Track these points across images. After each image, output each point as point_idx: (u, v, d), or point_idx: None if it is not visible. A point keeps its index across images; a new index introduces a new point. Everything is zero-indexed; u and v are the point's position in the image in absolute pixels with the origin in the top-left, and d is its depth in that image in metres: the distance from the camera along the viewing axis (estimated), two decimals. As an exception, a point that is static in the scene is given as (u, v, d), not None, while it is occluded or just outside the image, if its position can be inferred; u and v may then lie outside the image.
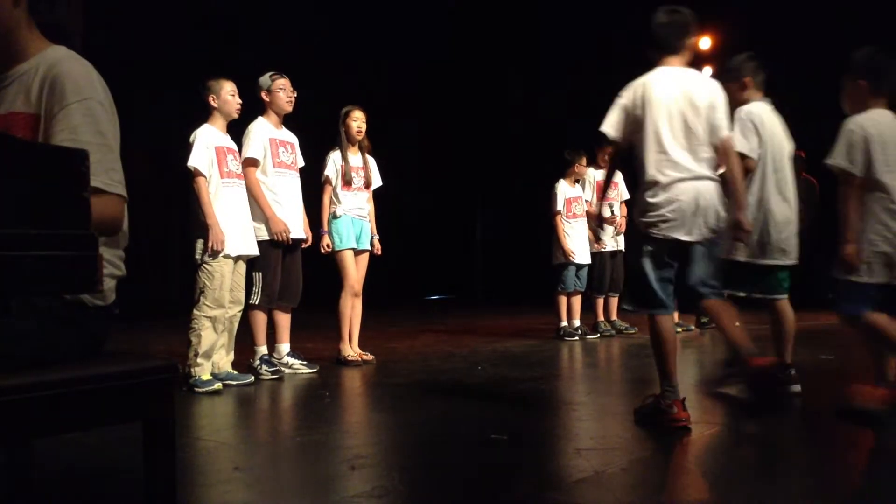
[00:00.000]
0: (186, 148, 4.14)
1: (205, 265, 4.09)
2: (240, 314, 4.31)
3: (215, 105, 4.25)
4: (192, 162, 4.09)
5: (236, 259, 4.21)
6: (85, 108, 1.76)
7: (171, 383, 1.66)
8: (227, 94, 4.26)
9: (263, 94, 4.60)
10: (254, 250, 4.30)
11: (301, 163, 4.75)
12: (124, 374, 1.60)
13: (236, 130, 4.48)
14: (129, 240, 1.96)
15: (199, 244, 4.10)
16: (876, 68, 3.29)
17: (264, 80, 4.60)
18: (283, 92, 4.59)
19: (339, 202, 4.95)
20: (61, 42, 1.90)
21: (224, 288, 4.12)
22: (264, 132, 4.54)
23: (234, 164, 4.28)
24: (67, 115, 1.75)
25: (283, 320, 4.70)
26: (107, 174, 1.76)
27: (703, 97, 3.19)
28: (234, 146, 4.34)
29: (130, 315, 2.54)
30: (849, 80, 3.39)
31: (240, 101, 4.31)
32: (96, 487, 2.46)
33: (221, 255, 4.08)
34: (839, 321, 3.35)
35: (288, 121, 4.73)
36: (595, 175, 6.71)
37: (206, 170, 4.11)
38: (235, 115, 4.32)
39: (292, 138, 4.72)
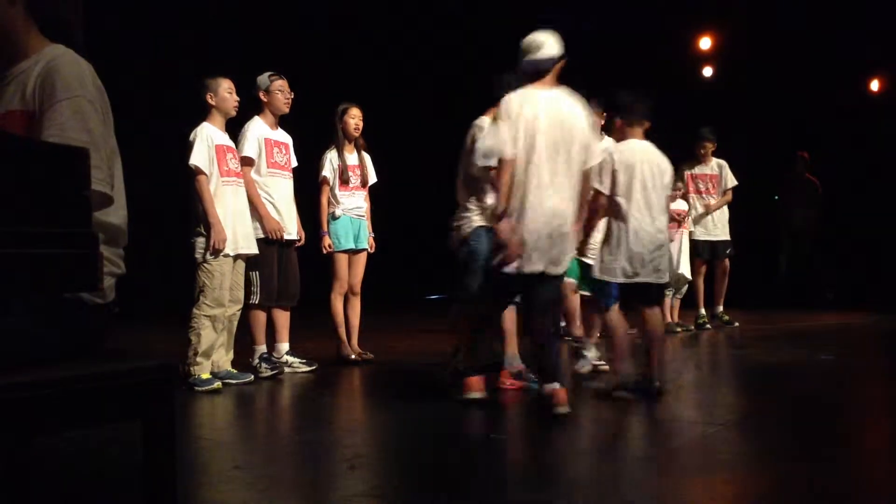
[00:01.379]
0: (187, 146, 4.13)
1: (205, 264, 4.09)
2: (239, 313, 4.31)
3: (213, 103, 4.24)
4: (194, 160, 4.08)
5: (236, 258, 4.21)
6: (74, 106, 1.76)
7: (171, 382, 1.65)
8: (225, 92, 4.25)
9: (261, 94, 4.58)
10: (253, 249, 4.30)
11: (294, 163, 4.75)
12: (124, 372, 1.60)
13: (232, 129, 4.48)
14: (128, 238, 1.96)
15: (200, 243, 4.10)
16: (625, 106, 3.95)
17: (262, 79, 4.58)
18: (281, 93, 4.57)
19: (338, 202, 4.94)
20: (64, 39, 1.89)
21: (224, 287, 4.12)
22: (260, 132, 4.53)
23: (234, 163, 4.28)
24: (56, 111, 1.75)
25: (282, 319, 4.69)
26: (92, 171, 1.75)
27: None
28: (233, 145, 4.34)
29: (130, 314, 2.54)
30: (609, 117, 4.01)
31: (237, 99, 4.30)
32: (96, 487, 2.46)
33: (221, 253, 4.08)
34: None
35: (282, 119, 4.72)
36: None
37: (206, 168, 4.11)
38: (233, 113, 4.31)
39: (287, 139, 4.72)
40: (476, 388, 3.57)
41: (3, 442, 1.74)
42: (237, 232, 4.18)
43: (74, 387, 1.49)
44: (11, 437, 1.61)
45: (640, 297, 3.86)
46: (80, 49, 1.89)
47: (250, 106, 4.64)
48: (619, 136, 4.04)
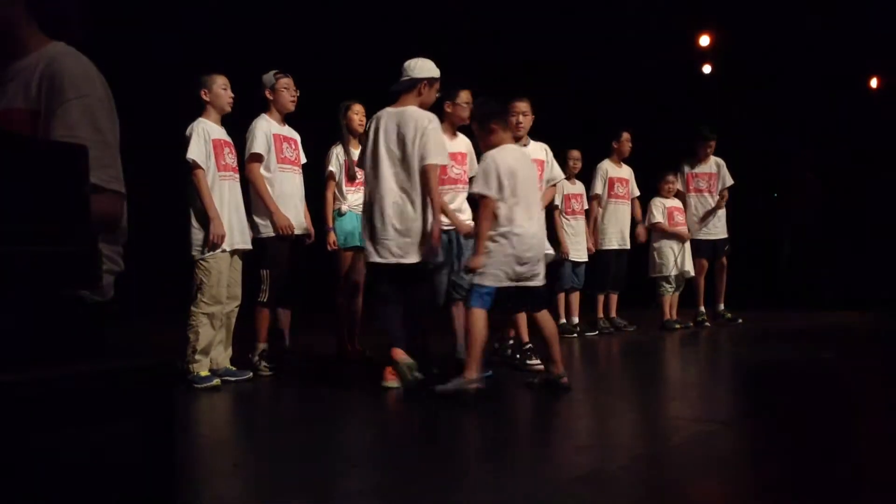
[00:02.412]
0: (184, 141, 4.13)
1: (202, 261, 4.08)
2: (237, 310, 4.30)
3: (207, 99, 4.23)
4: (191, 154, 4.07)
5: (232, 253, 4.20)
6: (83, 105, 1.76)
7: (170, 381, 1.65)
8: (219, 88, 4.24)
9: (267, 92, 4.57)
10: (248, 244, 4.30)
11: (303, 159, 4.74)
12: (123, 371, 1.59)
13: (237, 127, 4.47)
14: (127, 235, 1.95)
15: (197, 239, 4.09)
16: (496, 113, 4.00)
17: (268, 77, 4.57)
18: (286, 91, 4.56)
19: (344, 198, 4.94)
20: (65, 37, 1.89)
21: (221, 284, 4.11)
22: (268, 129, 4.52)
23: (231, 158, 4.26)
24: (65, 111, 1.74)
25: (284, 318, 4.68)
26: (104, 170, 1.75)
27: None
28: (230, 140, 4.33)
29: (129, 311, 2.53)
30: (480, 125, 4.00)
31: (232, 95, 4.29)
32: (96, 487, 2.45)
33: (219, 249, 4.08)
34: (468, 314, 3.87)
35: (287, 117, 4.71)
36: (608, 170, 6.67)
37: (203, 163, 4.10)
38: (228, 109, 4.30)
39: (295, 135, 4.71)
40: (388, 378, 3.95)
41: (0, 441, 1.73)
42: (234, 227, 4.18)
43: (73, 385, 1.49)
44: (9, 435, 1.61)
45: (526, 302, 3.92)
46: (80, 46, 1.88)
47: (257, 105, 4.63)
48: (494, 143, 3.96)
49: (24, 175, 1.41)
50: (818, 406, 3.63)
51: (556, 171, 5.14)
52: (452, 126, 4.55)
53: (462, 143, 4.59)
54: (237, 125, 4.43)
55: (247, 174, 4.38)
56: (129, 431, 1.64)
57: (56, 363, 1.55)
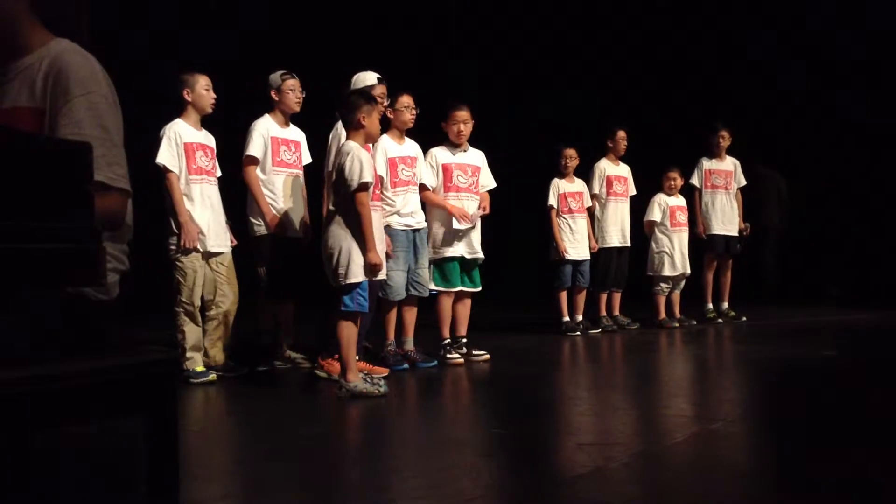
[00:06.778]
0: (155, 144, 4.12)
1: (177, 262, 4.11)
2: (234, 308, 4.31)
3: (189, 99, 4.22)
4: (160, 159, 4.08)
5: (208, 256, 4.21)
6: (88, 103, 1.76)
7: (173, 378, 1.65)
8: (202, 89, 4.23)
9: (272, 93, 4.55)
10: (225, 247, 4.31)
11: (307, 160, 4.72)
12: (125, 368, 1.59)
13: (238, 127, 4.48)
14: (132, 233, 1.96)
15: (172, 240, 4.12)
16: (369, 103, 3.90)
17: (274, 78, 4.55)
18: (292, 93, 4.55)
19: None
20: (68, 34, 1.89)
21: (198, 283, 4.13)
22: (267, 131, 4.51)
23: (205, 161, 4.23)
24: (71, 109, 1.75)
25: (285, 314, 4.69)
26: (110, 168, 1.76)
27: None
28: (207, 142, 4.30)
29: (133, 308, 2.54)
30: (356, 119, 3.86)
31: (214, 96, 4.26)
32: (97, 484, 2.46)
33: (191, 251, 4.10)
34: None
35: (294, 117, 4.70)
36: (606, 168, 6.66)
37: (173, 166, 4.10)
38: (209, 110, 4.28)
39: (298, 136, 4.67)
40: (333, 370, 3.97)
41: (2, 437, 1.74)
42: (209, 230, 4.19)
43: (76, 382, 1.49)
44: (12, 433, 1.61)
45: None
46: (84, 44, 1.89)
47: (259, 105, 4.63)
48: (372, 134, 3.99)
49: (27, 172, 1.41)
50: (820, 404, 3.62)
51: (489, 179, 5.00)
52: (399, 131, 4.65)
53: (412, 148, 4.70)
54: (236, 125, 4.44)
55: (243, 175, 4.40)
56: (131, 428, 1.64)
57: (58, 360, 1.55)
